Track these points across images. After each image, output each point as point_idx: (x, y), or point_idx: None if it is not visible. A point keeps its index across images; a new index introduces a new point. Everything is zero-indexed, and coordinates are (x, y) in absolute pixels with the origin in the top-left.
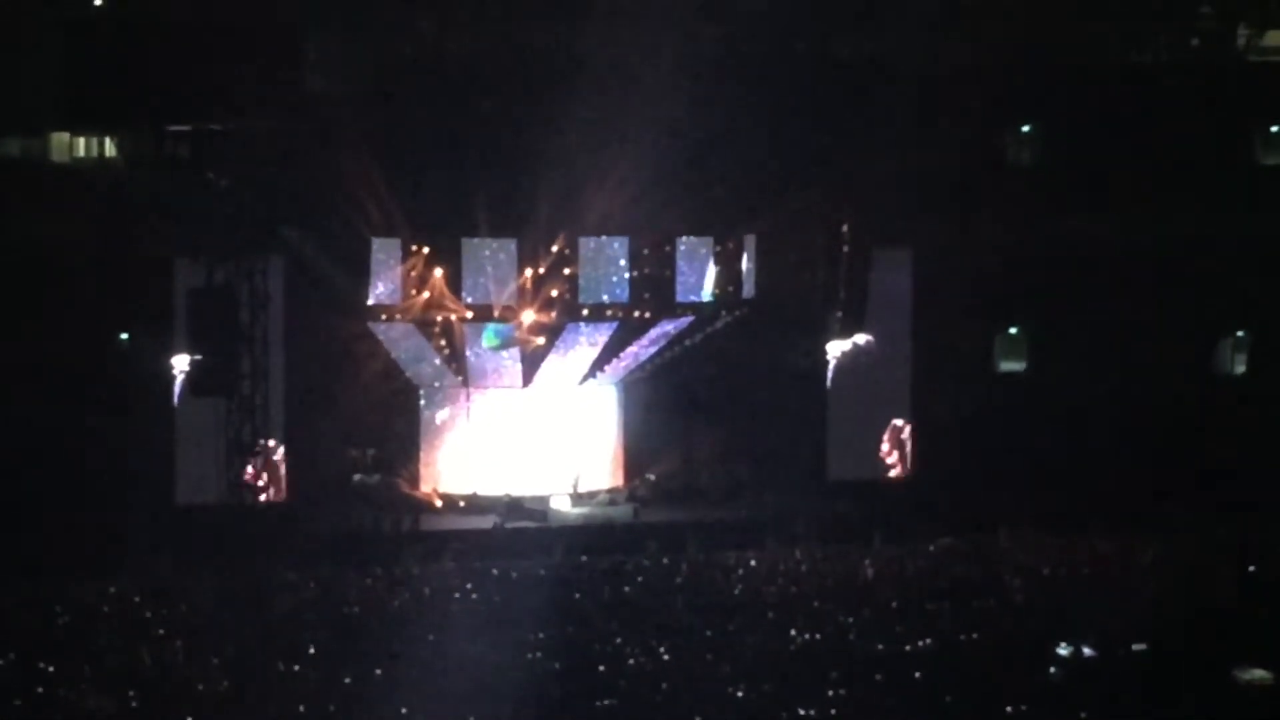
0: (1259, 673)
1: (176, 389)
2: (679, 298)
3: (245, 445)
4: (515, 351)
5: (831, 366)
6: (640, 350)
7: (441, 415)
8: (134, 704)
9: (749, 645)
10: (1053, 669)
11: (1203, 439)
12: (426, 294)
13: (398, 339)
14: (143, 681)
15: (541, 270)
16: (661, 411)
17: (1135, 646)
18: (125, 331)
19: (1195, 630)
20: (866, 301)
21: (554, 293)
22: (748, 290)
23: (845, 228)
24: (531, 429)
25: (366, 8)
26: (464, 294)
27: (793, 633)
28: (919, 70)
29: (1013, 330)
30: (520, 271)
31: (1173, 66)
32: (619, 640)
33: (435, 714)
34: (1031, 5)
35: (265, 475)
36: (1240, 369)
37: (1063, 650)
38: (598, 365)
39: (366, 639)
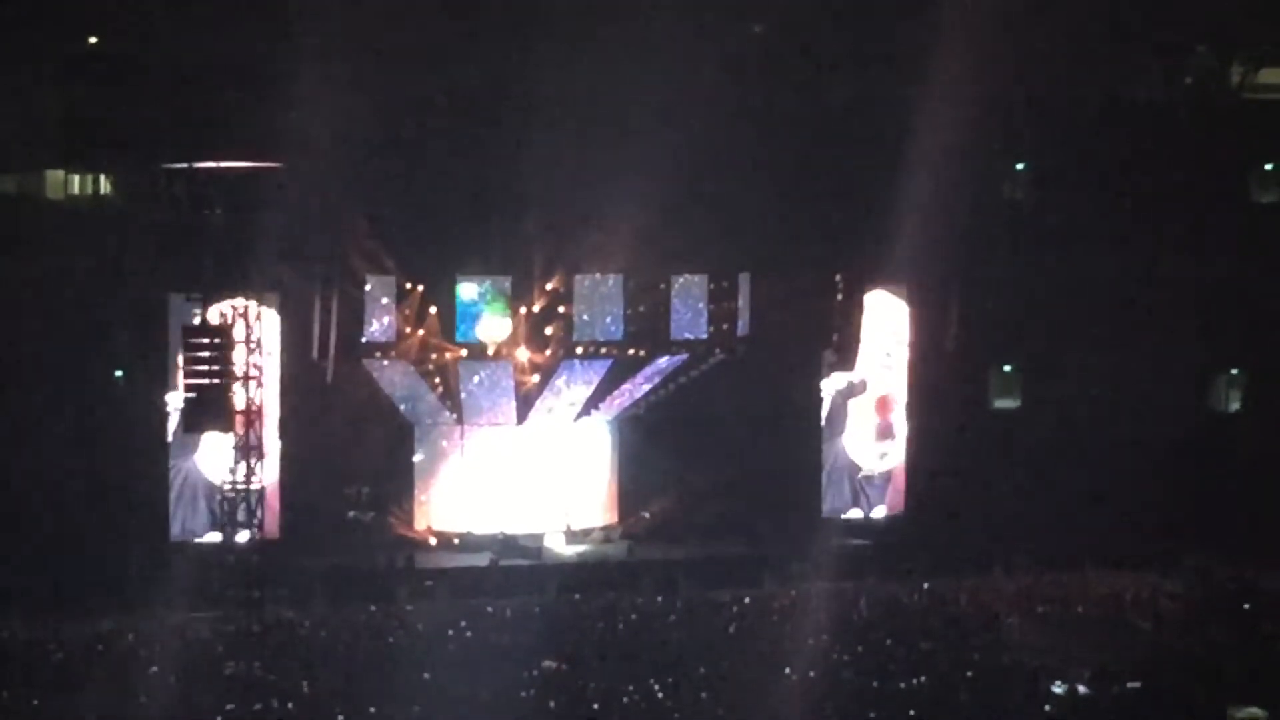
0: (1253, 711)
1: (173, 425)
2: (673, 335)
3: (239, 481)
4: (510, 388)
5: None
6: (635, 387)
7: (436, 453)
8: None
9: (743, 682)
10: (1048, 706)
11: (1197, 477)
12: (421, 332)
13: (393, 377)
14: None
15: (537, 308)
16: (656, 448)
17: (1130, 684)
18: (120, 368)
19: (1190, 668)
20: (859, 340)
21: (549, 330)
22: (742, 328)
23: (838, 267)
24: (526, 466)
25: (363, 49)
26: (458, 332)
27: (787, 670)
28: (913, 111)
29: (1007, 368)
30: (515, 310)
31: (1167, 105)
32: (613, 678)
33: None
34: (1026, 45)
35: (259, 511)
36: (1235, 406)
37: (1058, 688)
38: (592, 402)
39: (361, 675)
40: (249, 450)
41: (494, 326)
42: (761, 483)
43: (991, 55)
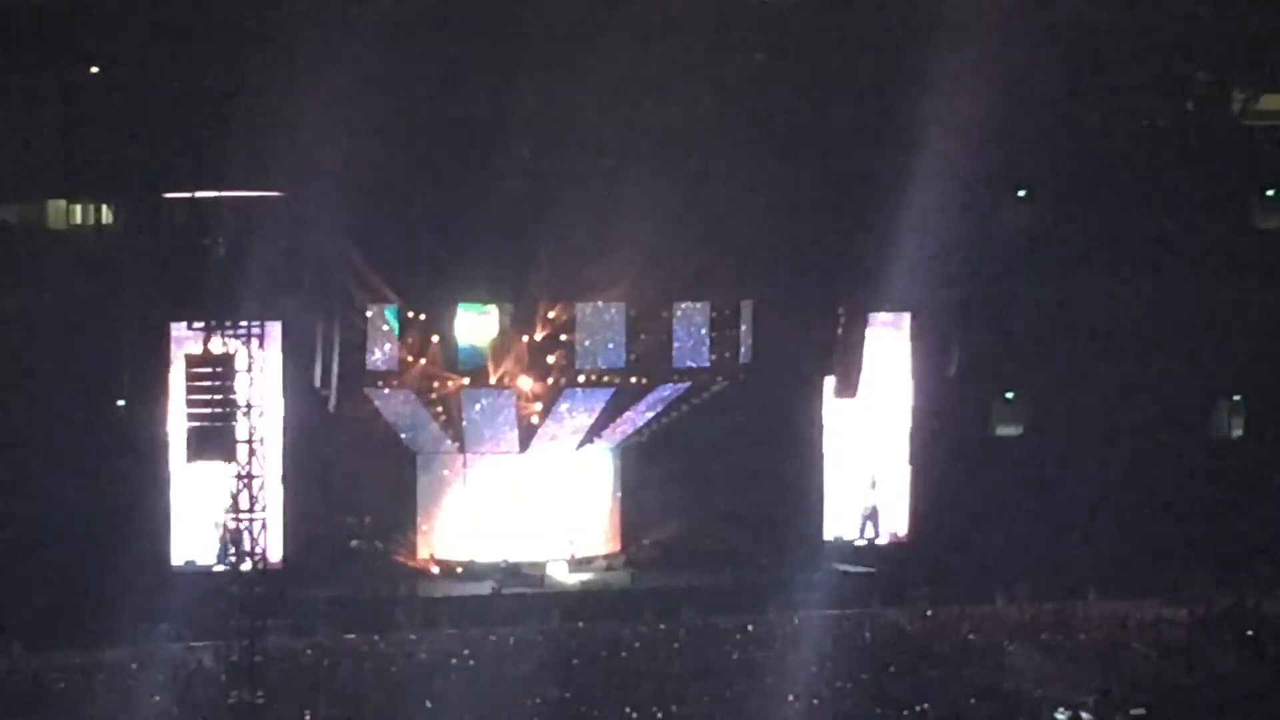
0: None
1: (173, 454)
2: (676, 363)
3: (242, 510)
4: (512, 416)
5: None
6: (637, 415)
7: (438, 481)
8: None
9: (746, 710)
10: None
11: (1200, 502)
12: (423, 361)
13: (395, 405)
14: None
15: (539, 336)
16: (658, 476)
17: (1133, 711)
18: (122, 397)
19: (1193, 694)
20: (861, 367)
21: (551, 359)
22: (744, 356)
23: (841, 294)
24: (528, 495)
25: (365, 77)
26: (460, 360)
27: (790, 698)
28: (915, 138)
29: (1009, 395)
30: (517, 338)
31: (1169, 131)
32: (617, 706)
33: None
34: (1028, 72)
35: (262, 540)
36: (1237, 432)
37: (1061, 715)
38: (595, 431)
39: (363, 705)
40: (251, 478)
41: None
42: (764, 510)
43: (993, 82)
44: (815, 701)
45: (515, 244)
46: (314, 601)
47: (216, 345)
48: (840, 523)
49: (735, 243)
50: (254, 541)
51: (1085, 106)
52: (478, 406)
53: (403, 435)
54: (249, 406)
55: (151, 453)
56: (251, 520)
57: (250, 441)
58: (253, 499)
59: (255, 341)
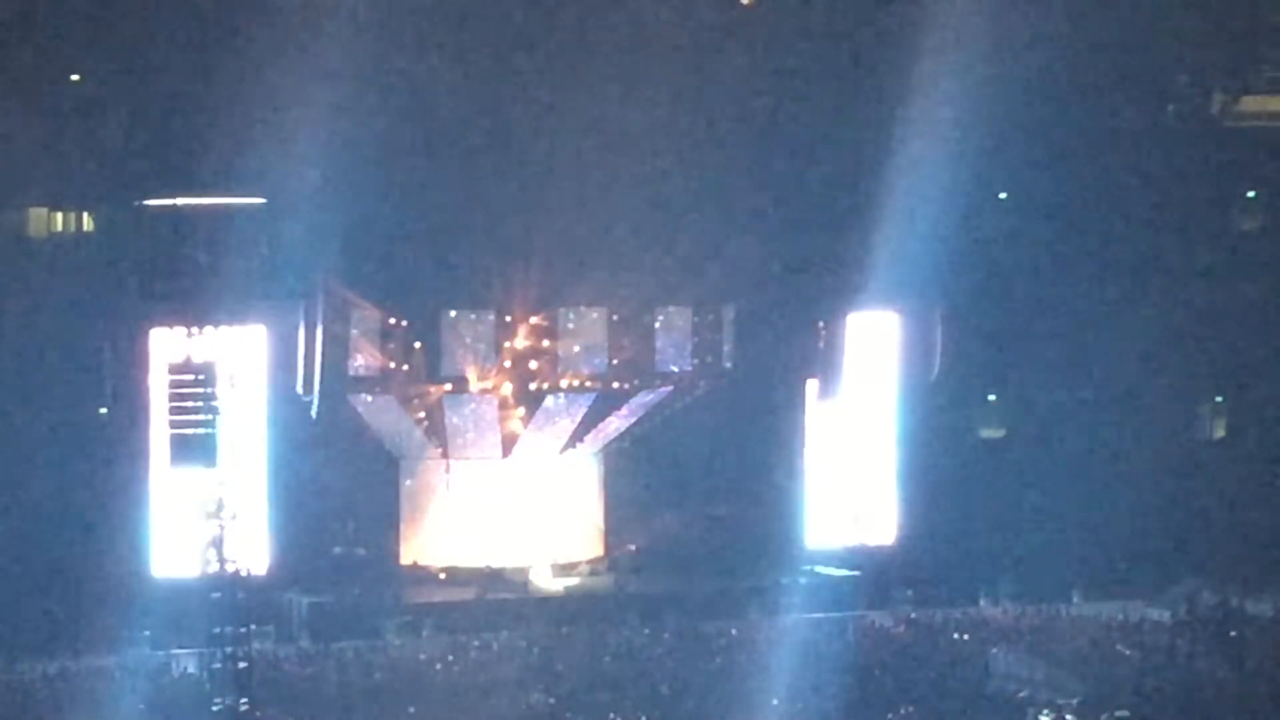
0: None
1: (156, 460)
2: (658, 368)
3: (225, 516)
4: (494, 422)
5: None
6: (620, 420)
7: (422, 487)
8: None
9: (731, 715)
10: None
11: (1183, 504)
12: (406, 367)
13: (378, 412)
14: None
15: (521, 343)
16: (642, 481)
17: (1117, 713)
18: (103, 403)
19: (1177, 695)
20: (843, 369)
21: (533, 365)
22: (727, 360)
23: (823, 297)
24: (511, 500)
25: (346, 84)
26: (443, 366)
27: (775, 702)
28: (897, 143)
29: (992, 398)
30: (499, 344)
31: (1150, 134)
32: (600, 711)
33: None
34: (1009, 76)
35: (245, 546)
36: (1220, 434)
37: (1045, 717)
38: (578, 436)
39: (348, 711)
40: (234, 484)
41: None
42: (748, 514)
43: (975, 86)
44: (800, 705)
45: (498, 251)
46: (297, 607)
47: (199, 352)
48: (824, 526)
49: (717, 248)
50: (236, 547)
51: (1066, 109)
52: (460, 413)
53: (386, 441)
54: (231, 413)
55: (134, 459)
56: (234, 526)
57: (233, 447)
58: (235, 504)
59: (238, 348)
